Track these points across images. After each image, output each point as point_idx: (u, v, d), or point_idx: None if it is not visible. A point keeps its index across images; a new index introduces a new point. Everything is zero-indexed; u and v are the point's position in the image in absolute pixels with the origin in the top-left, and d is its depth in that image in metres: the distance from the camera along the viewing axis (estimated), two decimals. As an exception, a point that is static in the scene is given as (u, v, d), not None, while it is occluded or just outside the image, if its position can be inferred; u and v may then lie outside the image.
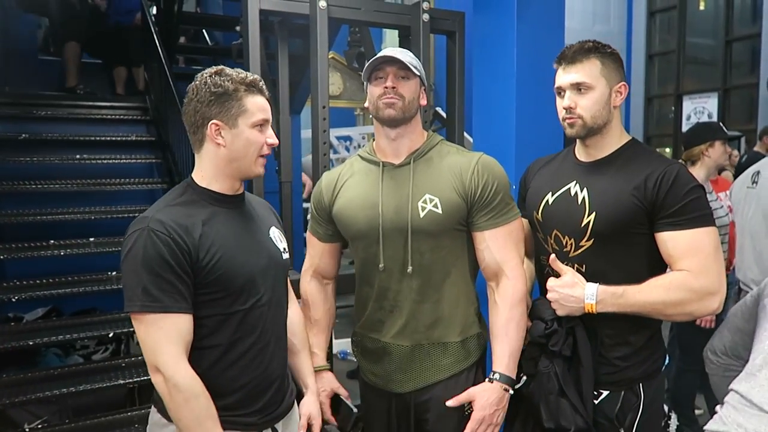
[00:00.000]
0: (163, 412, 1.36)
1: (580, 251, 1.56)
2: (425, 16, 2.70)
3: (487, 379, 1.58)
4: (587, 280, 1.52)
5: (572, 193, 1.60)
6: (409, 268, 1.59)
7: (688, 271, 1.44)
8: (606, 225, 1.51)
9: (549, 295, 1.56)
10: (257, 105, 1.38)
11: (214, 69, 1.38)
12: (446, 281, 1.62)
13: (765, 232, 2.70)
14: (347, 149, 7.15)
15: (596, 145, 1.60)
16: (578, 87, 1.53)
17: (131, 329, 3.38)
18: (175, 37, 5.59)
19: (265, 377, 1.44)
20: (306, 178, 6.21)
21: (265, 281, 1.42)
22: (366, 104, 1.66)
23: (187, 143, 1.47)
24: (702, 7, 8.05)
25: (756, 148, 5.96)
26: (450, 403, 1.58)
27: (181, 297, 1.27)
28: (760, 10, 7.02)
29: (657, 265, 1.53)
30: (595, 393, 1.56)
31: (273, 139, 1.41)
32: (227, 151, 1.37)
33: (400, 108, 1.58)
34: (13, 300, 3.41)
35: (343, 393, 1.73)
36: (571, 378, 1.55)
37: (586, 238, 1.54)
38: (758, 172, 2.82)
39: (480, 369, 1.71)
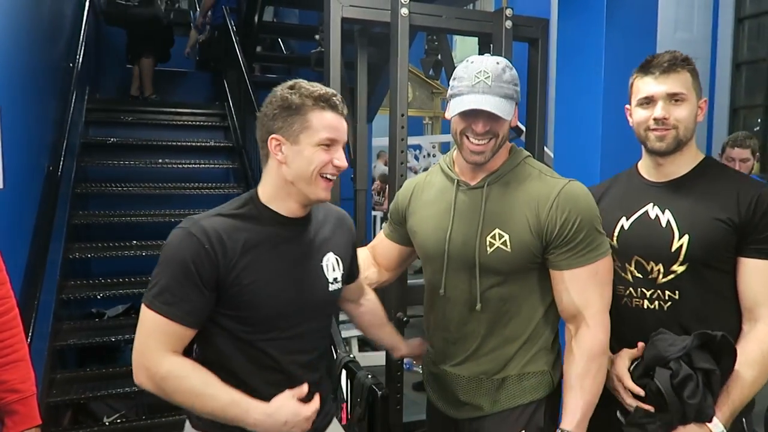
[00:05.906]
0: (195, 424, 1.33)
1: (670, 277, 1.46)
2: (508, 23, 2.64)
3: None
4: (681, 308, 1.43)
5: (651, 216, 1.50)
6: (478, 305, 1.47)
7: None
8: (701, 248, 1.42)
9: None
10: (324, 122, 1.24)
11: (289, 83, 1.28)
12: (515, 319, 1.50)
13: None
14: (416, 158, 7.18)
15: (674, 162, 1.51)
16: (674, 97, 1.46)
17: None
18: (254, 45, 5.73)
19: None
20: (378, 185, 6.28)
21: (298, 315, 1.32)
22: (451, 136, 1.53)
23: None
24: (797, 12, 7.57)
25: None
26: None
27: (190, 310, 1.22)
28: None
29: None
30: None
31: (340, 162, 1.27)
32: (287, 168, 1.26)
33: (491, 150, 1.44)
34: (98, 297, 3.60)
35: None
36: None
37: (678, 263, 1.44)
38: None
39: (544, 410, 1.52)
